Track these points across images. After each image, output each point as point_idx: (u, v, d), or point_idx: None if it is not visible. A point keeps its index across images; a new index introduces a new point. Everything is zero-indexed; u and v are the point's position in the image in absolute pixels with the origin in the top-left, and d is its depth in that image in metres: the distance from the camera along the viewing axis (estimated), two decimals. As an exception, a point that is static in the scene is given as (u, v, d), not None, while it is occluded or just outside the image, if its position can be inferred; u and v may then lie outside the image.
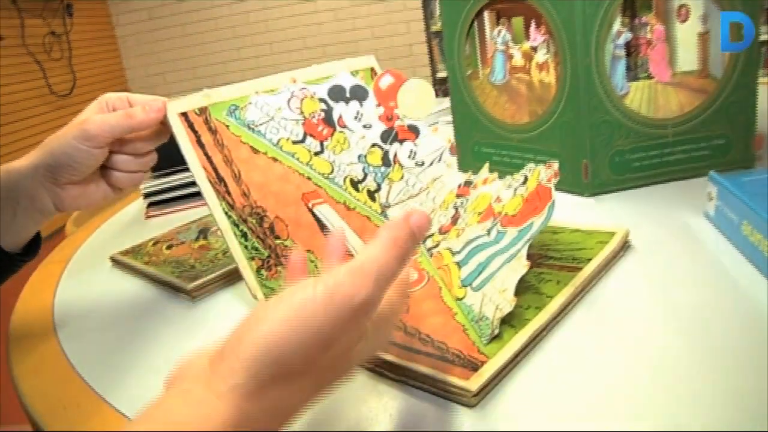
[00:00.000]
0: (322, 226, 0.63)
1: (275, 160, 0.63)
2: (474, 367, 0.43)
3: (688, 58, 0.74)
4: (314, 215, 0.63)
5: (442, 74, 4.47)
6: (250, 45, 4.65)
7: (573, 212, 0.72)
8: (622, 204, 0.73)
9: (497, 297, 0.48)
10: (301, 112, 0.65)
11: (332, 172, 0.66)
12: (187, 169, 0.98)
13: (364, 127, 0.68)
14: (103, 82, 4.51)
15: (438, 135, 0.71)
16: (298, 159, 0.64)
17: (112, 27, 4.74)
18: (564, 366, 0.45)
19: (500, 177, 0.62)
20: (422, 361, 0.45)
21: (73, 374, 0.54)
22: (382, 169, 0.69)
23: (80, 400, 0.50)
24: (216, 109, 0.61)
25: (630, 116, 0.74)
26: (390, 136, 0.69)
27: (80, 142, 0.56)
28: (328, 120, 0.67)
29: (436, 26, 4.34)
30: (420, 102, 0.69)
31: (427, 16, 4.35)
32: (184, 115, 0.59)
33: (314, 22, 4.52)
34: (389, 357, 0.46)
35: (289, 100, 0.65)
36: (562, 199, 0.77)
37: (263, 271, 0.57)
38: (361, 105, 0.68)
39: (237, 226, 0.57)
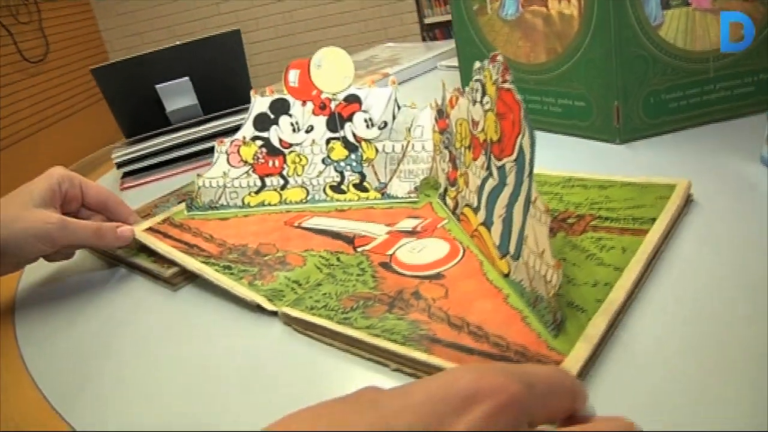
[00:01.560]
0: (319, 233, 0.57)
1: (246, 216, 0.62)
2: None
3: (730, -20, 0.64)
4: (305, 229, 0.58)
5: (430, 20, 4.31)
6: (229, -1, 4.47)
7: (606, 162, 0.63)
8: (661, 151, 0.64)
9: (539, 264, 0.38)
10: (245, 162, 0.63)
11: (308, 194, 0.63)
12: (162, 134, 0.90)
13: (307, 132, 0.63)
14: (79, 45, 4.31)
15: (375, 85, 0.63)
16: (269, 204, 0.64)
17: (83, -14, 4.53)
18: (652, 357, 0.36)
19: (461, 91, 0.52)
20: (477, 363, 0.36)
21: (32, 388, 0.45)
22: (353, 156, 0.63)
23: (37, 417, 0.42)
24: (177, 215, 0.64)
25: (666, 50, 0.64)
26: (336, 121, 0.62)
27: (40, 241, 0.54)
28: (272, 151, 0.64)
29: (422, -30, 4.17)
30: (338, 71, 0.62)
31: (413, -40, 4.17)
32: (150, 229, 0.61)
33: (295, -29, 4.34)
34: (435, 360, 0.36)
35: (228, 161, 0.63)
36: (590, 146, 0.68)
37: (257, 281, 0.50)
38: (290, 115, 0.63)
39: (217, 265, 0.53)
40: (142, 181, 0.88)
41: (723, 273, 0.42)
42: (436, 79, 1.21)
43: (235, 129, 0.91)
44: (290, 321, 0.45)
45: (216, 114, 0.96)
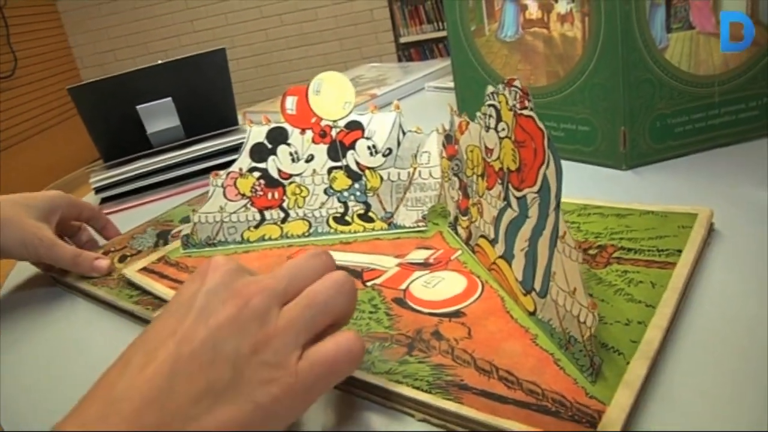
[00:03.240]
0: None
1: (247, 252, 0.60)
2: (590, 420, 0.31)
3: (734, 4, 0.63)
4: None
5: (405, 39, 4.32)
6: (204, 16, 4.43)
7: (615, 189, 0.61)
8: (669, 177, 0.62)
9: (571, 304, 0.36)
10: (243, 195, 0.60)
11: (310, 226, 0.61)
12: (143, 157, 0.86)
13: (308, 161, 0.60)
14: (49, 62, 4.23)
15: (378, 111, 0.60)
16: (270, 238, 0.61)
17: (53, 1, 4.45)
18: (694, 399, 0.33)
19: (470, 117, 0.49)
20: (513, 415, 0.32)
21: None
22: (356, 185, 0.60)
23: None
24: (172, 253, 0.61)
25: (672, 74, 0.63)
26: (337, 150, 0.59)
27: (26, 250, 0.58)
28: (270, 183, 0.60)
29: (398, -11, 4.19)
30: (338, 96, 0.58)
31: (389, -21, 4.18)
32: (144, 269, 0.58)
33: (270, -10, 4.32)
34: (467, 411, 0.33)
35: (224, 194, 0.60)
36: (596, 172, 0.66)
37: None
38: (288, 144, 0.60)
39: None
40: (122, 206, 0.84)
41: (755, 304, 0.40)
42: (424, 101, 1.20)
43: (220, 153, 0.89)
44: None
45: (200, 137, 0.92)
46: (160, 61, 0.92)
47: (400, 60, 4.37)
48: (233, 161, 0.89)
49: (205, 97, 0.96)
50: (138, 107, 0.89)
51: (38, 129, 3.95)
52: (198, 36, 4.45)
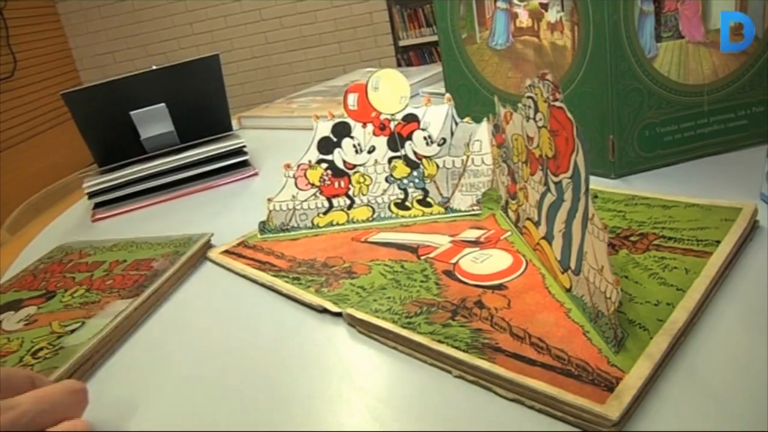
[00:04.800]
0: (384, 245, 0.59)
1: (316, 235, 0.64)
2: (608, 385, 0.34)
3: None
4: (371, 243, 0.60)
5: (404, 42, 4.32)
6: (204, 19, 4.42)
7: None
8: (657, 186, 0.62)
9: (599, 280, 0.38)
10: (312, 185, 0.65)
11: (374, 212, 0.65)
12: (137, 162, 0.86)
13: (370, 152, 0.65)
14: (49, 63, 4.22)
15: (432, 104, 0.64)
16: (337, 224, 0.65)
17: (53, 3, 4.45)
18: (714, 380, 0.35)
19: (514, 109, 0.52)
20: (539, 375, 0.36)
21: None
22: (415, 173, 0.65)
23: None
24: (251, 238, 0.66)
25: (661, 83, 0.63)
26: (396, 141, 0.64)
27: None
28: (337, 173, 0.65)
29: (397, -8, 4.19)
30: (394, 92, 0.63)
31: (388, -18, 4.19)
32: (225, 251, 0.64)
33: (270, -8, 4.32)
34: (498, 369, 0.37)
35: (295, 184, 0.65)
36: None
37: (324, 289, 0.52)
38: (352, 137, 0.65)
39: (287, 277, 0.56)
40: (115, 212, 0.84)
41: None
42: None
43: (213, 158, 0.89)
44: (354, 322, 0.47)
45: (194, 142, 0.92)
46: (153, 67, 0.92)
47: (399, 63, 4.37)
48: (227, 167, 0.90)
49: (199, 102, 0.96)
50: (132, 113, 0.89)
51: (36, 131, 3.95)
52: (197, 39, 4.45)
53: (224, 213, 0.79)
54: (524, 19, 0.69)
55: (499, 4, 0.70)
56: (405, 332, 0.43)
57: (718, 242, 0.46)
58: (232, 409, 0.41)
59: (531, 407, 0.35)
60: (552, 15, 0.66)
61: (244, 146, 0.92)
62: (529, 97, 0.47)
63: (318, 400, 0.40)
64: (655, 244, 0.48)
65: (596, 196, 0.58)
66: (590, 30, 0.61)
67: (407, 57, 4.39)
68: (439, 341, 0.41)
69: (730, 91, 0.65)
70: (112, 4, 4.42)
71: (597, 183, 0.63)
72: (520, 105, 0.49)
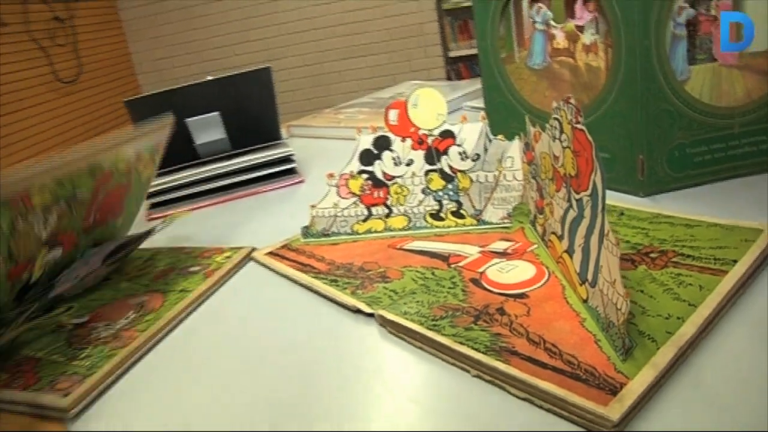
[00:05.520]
0: (418, 253, 0.63)
1: (355, 241, 0.68)
2: (612, 389, 0.37)
3: (756, 37, 0.65)
4: (405, 250, 0.64)
5: (454, 53, 4.35)
6: (259, 27, 4.54)
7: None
8: (685, 205, 0.64)
9: (612, 293, 0.41)
10: (353, 194, 0.69)
11: (410, 221, 0.69)
12: (191, 167, 0.91)
13: (408, 165, 0.69)
14: (110, 68, 4.41)
15: (468, 122, 0.68)
16: (375, 231, 0.69)
17: (116, 11, 4.64)
18: (719, 389, 0.37)
19: (542, 128, 0.56)
20: (550, 378, 0.39)
21: None
22: (449, 186, 0.68)
23: None
24: (294, 241, 0.70)
25: (692, 105, 0.65)
26: (433, 155, 0.68)
27: None
28: (376, 183, 0.69)
29: (448, 4, 4.22)
30: (432, 109, 0.67)
31: (439, -6, 4.22)
32: (270, 253, 0.68)
33: (322, 2, 4.40)
34: (512, 371, 0.40)
35: (338, 193, 0.69)
36: (612, 198, 0.68)
37: (359, 291, 0.56)
38: (392, 150, 0.69)
39: (326, 279, 0.60)
40: (168, 212, 0.90)
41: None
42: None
43: (262, 165, 0.94)
44: (385, 323, 0.51)
45: (244, 149, 0.97)
46: (209, 77, 0.98)
47: (448, 75, 4.40)
48: (275, 173, 0.94)
49: (251, 111, 1.01)
50: (187, 120, 0.95)
51: (96, 132, 4.13)
52: (252, 45, 4.57)
53: (270, 217, 0.84)
54: (561, 41, 0.72)
55: (537, 25, 0.73)
56: (430, 333, 0.46)
57: (735, 261, 0.48)
58: (268, 398, 0.45)
59: (540, 407, 0.39)
60: (587, 37, 0.68)
61: (292, 154, 0.96)
62: (555, 119, 0.50)
63: (348, 392, 0.44)
64: (673, 261, 0.50)
65: (622, 213, 0.61)
66: (622, 53, 0.63)
67: (456, 68, 4.42)
68: (461, 343, 0.44)
69: (763, 113, 0.66)
70: (171, 12, 4.58)
71: (624, 200, 0.65)
72: (547, 125, 0.52)
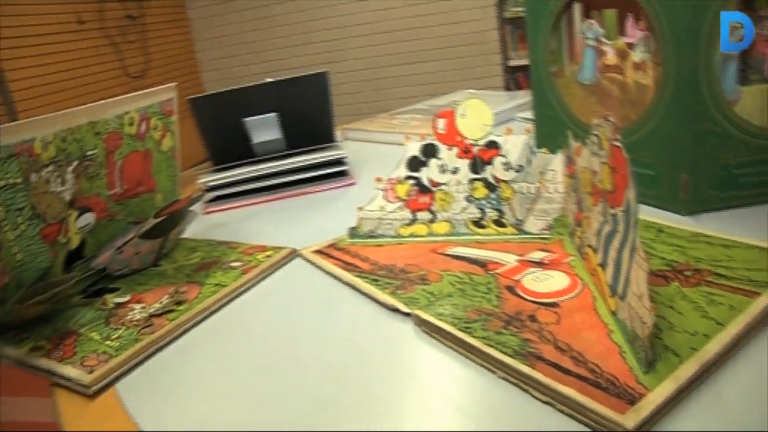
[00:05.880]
0: (458, 258, 0.64)
1: (399, 244, 0.70)
2: (631, 399, 0.39)
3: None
4: (446, 255, 0.65)
5: (514, 62, 4.33)
6: (320, 29, 4.62)
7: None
8: (728, 226, 0.64)
9: (639, 306, 0.43)
10: (400, 198, 0.72)
11: (452, 227, 0.70)
12: (247, 164, 0.96)
13: (453, 173, 0.71)
14: (174, 64, 4.57)
15: (513, 134, 0.71)
16: (418, 235, 0.71)
17: (185, 10, 4.80)
18: (740, 407, 0.39)
19: (584, 144, 0.57)
20: (572, 384, 0.41)
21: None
22: (492, 195, 0.70)
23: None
24: (341, 241, 0.73)
25: (740, 126, 0.65)
26: (477, 164, 0.70)
27: None
28: (423, 189, 0.72)
29: (509, 12, 4.20)
30: (479, 120, 0.70)
31: (500, 2, 4.21)
32: (317, 251, 0.71)
33: (384, 8, 4.45)
34: (537, 375, 0.42)
35: (385, 197, 0.72)
36: (655, 216, 0.69)
37: (398, 291, 0.58)
38: (438, 158, 0.72)
39: (368, 278, 0.62)
40: (224, 207, 0.95)
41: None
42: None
43: (316, 165, 0.97)
44: (420, 323, 0.53)
45: (299, 150, 1.01)
46: (268, 79, 1.02)
47: (507, 83, 4.38)
48: (328, 174, 0.97)
49: (307, 113, 1.05)
50: (245, 119, 1.00)
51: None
52: (313, 47, 4.65)
53: (320, 216, 0.87)
54: (611, 57, 0.73)
55: (588, 41, 0.74)
56: (462, 335, 0.49)
57: None
58: (306, 388, 0.48)
59: (561, 411, 0.40)
60: (637, 55, 0.69)
61: (345, 157, 0.99)
62: (595, 135, 0.52)
63: (382, 386, 0.47)
64: (707, 280, 0.51)
65: (661, 230, 0.61)
66: (670, 72, 0.64)
67: (516, 78, 4.39)
68: (490, 345, 0.46)
69: (814, 138, 0.66)
70: (236, 12, 4.70)
71: (666, 217, 0.66)
72: (588, 141, 0.54)
